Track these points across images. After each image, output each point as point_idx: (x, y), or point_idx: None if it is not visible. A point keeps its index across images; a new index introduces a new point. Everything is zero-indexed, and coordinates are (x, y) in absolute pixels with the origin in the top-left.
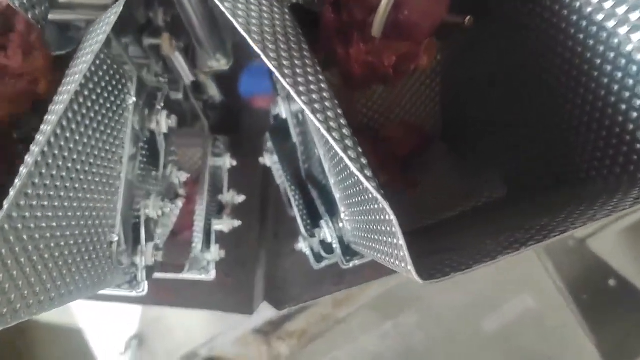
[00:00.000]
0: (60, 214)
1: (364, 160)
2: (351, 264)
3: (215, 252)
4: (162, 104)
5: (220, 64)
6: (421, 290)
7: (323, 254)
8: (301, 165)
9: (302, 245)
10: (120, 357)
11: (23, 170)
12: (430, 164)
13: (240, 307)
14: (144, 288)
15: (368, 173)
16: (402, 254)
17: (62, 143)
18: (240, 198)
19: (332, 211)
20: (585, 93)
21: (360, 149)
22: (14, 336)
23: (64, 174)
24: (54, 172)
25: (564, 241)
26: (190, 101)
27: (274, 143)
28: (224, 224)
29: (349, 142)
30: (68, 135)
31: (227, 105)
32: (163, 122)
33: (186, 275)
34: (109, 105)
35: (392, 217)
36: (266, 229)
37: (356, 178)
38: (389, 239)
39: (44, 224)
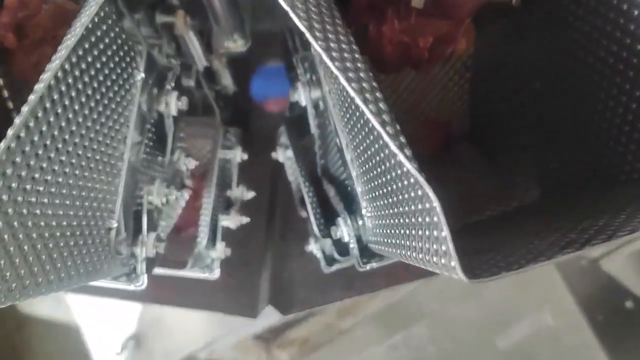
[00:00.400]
0: (53, 190)
1: (402, 139)
2: (368, 267)
3: (220, 250)
4: (173, 85)
5: (237, 44)
6: (432, 303)
7: (336, 256)
8: (317, 160)
9: (313, 247)
10: (116, 357)
11: (10, 132)
12: (455, 166)
13: (243, 309)
14: (143, 282)
15: (408, 152)
16: (443, 248)
17: (59, 110)
18: (250, 194)
19: (351, 208)
20: (632, 89)
21: (398, 126)
22: (12, 331)
23: (60, 145)
24: (48, 142)
25: (576, 261)
26: (203, 89)
27: (289, 136)
28: (231, 220)
29: (386, 117)
30: (67, 102)
31: (240, 97)
32: (172, 104)
33: (189, 273)
34: (114, 77)
35: (436, 203)
36: (273, 230)
37: (387, 165)
38: (427, 232)
39: (32, 199)
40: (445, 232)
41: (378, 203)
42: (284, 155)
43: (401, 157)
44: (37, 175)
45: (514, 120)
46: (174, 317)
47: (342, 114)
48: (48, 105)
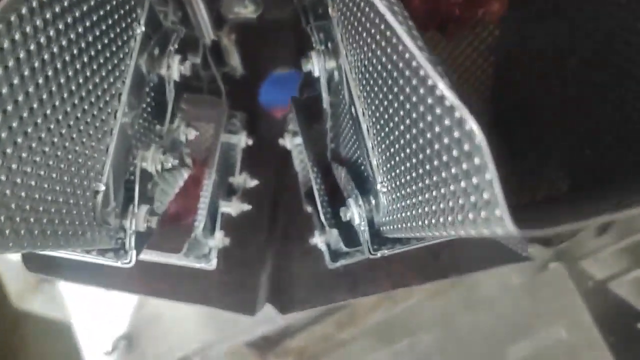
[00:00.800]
0: (34, 144)
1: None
2: (379, 254)
3: (219, 239)
4: (176, 46)
5: (248, 10)
6: (440, 313)
7: (342, 248)
8: (327, 143)
9: (318, 240)
10: (106, 358)
11: None
12: None
13: (240, 306)
14: (131, 259)
15: (447, 82)
16: (486, 196)
17: (42, 40)
18: (253, 182)
19: (363, 188)
20: None
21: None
22: (6, 329)
23: (44, 95)
24: (30, 84)
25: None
26: (209, 68)
27: (298, 119)
28: (233, 207)
29: (421, 43)
30: (52, 34)
31: (248, 80)
32: (175, 67)
33: (184, 262)
34: (110, 22)
35: (480, 137)
36: (275, 229)
37: (415, 113)
38: (464, 183)
39: (8, 150)
40: (492, 173)
41: (399, 169)
42: (291, 142)
43: (440, 86)
44: (14, 125)
45: (541, 108)
46: (169, 319)
47: (363, 72)
48: (30, 30)
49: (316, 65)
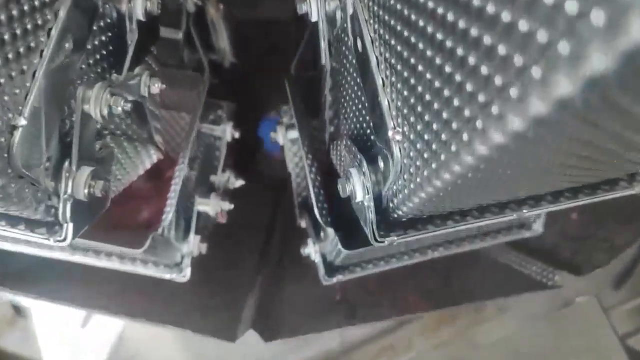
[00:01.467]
0: None
1: None
2: (387, 241)
3: (193, 244)
4: None
5: None
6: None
7: (340, 259)
8: (326, 125)
9: (311, 250)
10: None
11: None
12: None
13: (220, 331)
14: (66, 235)
15: None
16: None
17: None
18: (238, 182)
19: (369, 156)
20: None
21: None
22: None
23: None
24: None
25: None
26: (194, 48)
27: (292, 97)
28: (211, 205)
29: None
30: None
31: (237, 70)
32: (138, 3)
33: (152, 271)
34: None
35: None
36: (268, 254)
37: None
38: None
39: None
40: None
41: (423, 101)
42: (285, 136)
43: None
44: None
45: None
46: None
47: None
48: None
49: (314, 6)
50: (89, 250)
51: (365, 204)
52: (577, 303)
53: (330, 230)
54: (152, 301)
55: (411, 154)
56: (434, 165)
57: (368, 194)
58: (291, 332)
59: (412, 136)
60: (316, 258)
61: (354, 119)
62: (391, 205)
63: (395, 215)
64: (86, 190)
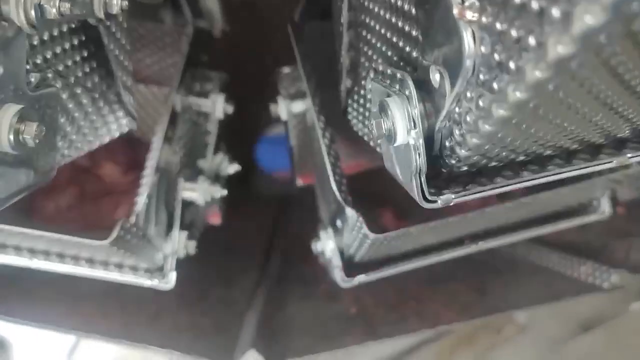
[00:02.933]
0: None
1: None
2: (440, 201)
3: (178, 241)
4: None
5: None
6: None
7: (364, 231)
8: (343, 78)
9: (325, 245)
10: None
11: None
12: None
13: (216, 353)
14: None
15: None
16: None
17: None
18: (233, 167)
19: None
20: None
21: None
22: None
23: None
24: None
25: None
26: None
27: (298, 48)
28: (199, 191)
29: None
30: None
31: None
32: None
33: (129, 277)
34: None
35: None
36: (268, 271)
37: None
38: None
39: None
40: None
41: None
42: (288, 109)
43: None
44: None
45: None
46: None
47: None
48: None
49: None
50: (51, 254)
51: (412, 142)
52: (635, 311)
53: (350, 211)
54: (135, 320)
55: (484, 46)
56: (524, 57)
57: (415, 127)
58: (300, 353)
59: (486, 17)
60: (332, 254)
61: (385, 47)
62: (446, 147)
63: (451, 163)
64: (11, 136)
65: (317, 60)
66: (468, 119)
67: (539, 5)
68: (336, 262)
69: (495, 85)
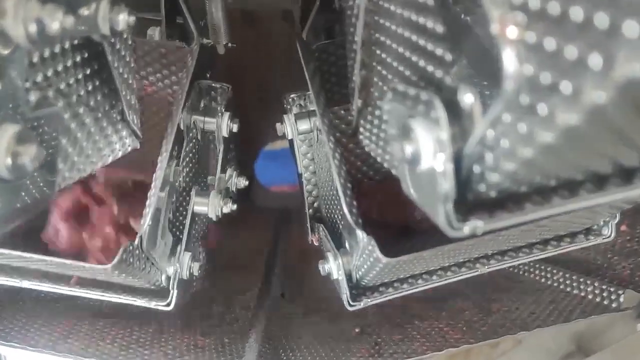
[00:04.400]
0: None
1: None
2: (466, 229)
3: (183, 262)
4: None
5: None
6: None
7: (376, 255)
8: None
9: (332, 267)
10: None
11: None
12: None
13: None
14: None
15: None
16: None
17: None
18: (242, 182)
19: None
20: None
21: None
22: None
23: None
24: None
25: None
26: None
27: (307, 65)
28: (210, 205)
29: None
30: None
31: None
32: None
33: (127, 298)
34: None
35: None
36: (269, 288)
37: None
38: None
39: None
40: None
41: None
42: (293, 127)
43: None
44: None
45: None
46: None
47: None
48: None
49: None
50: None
51: (439, 169)
52: None
53: (361, 234)
54: (135, 340)
55: (528, 66)
56: (583, 77)
57: (443, 150)
58: None
59: (534, 34)
60: (339, 276)
61: (403, 67)
62: (474, 172)
63: (479, 190)
64: (9, 159)
65: (326, 84)
66: (504, 143)
67: (609, 23)
68: (343, 285)
69: (540, 109)
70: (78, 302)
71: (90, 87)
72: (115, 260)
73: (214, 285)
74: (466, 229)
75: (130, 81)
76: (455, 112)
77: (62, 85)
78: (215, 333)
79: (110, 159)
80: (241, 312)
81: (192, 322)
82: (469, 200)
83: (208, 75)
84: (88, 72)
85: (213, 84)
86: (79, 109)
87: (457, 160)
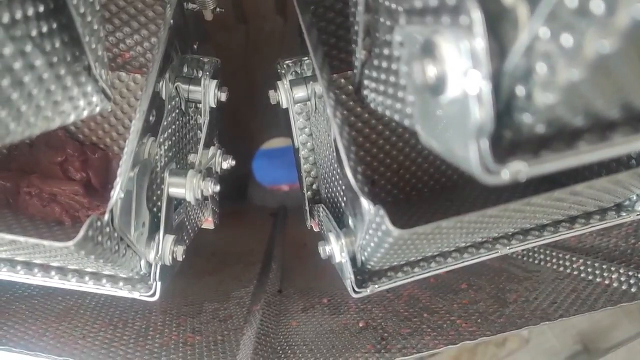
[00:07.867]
0: None
1: None
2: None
3: (164, 246)
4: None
5: None
6: None
7: (386, 227)
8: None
9: (334, 248)
10: None
11: None
12: None
13: None
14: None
15: None
16: None
17: None
18: (227, 163)
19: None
20: None
21: None
22: None
23: None
24: None
25: None
26: None
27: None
28: (187, 187)
29: None
30: None
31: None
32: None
33: (106, 288)
34: None
35: None
36: (265, 284)
37: None
38: None
39: None
40: None
41: None
42: (289, 94)
43: None
44: None
45: None
46: None
47: None
48: None
49: None
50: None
51: (472, 91)
52: None
53: (367, 203)
54: (119, 337)
55: None
56: None
57: (478, 65)
58: None
59: None
60: (342, 258)
61: None
62: (517, 96)
63: (522, 121)
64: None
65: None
66: (562, 46)
67: None
68: (347, 268)
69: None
70: (58, 298)
71: (44, 29)
72: (80, 235)
73: (207, 279)
74: (505, 172)
75: (95, 27)
76: (491, 15)
77: (5, 18)
78: (208, 330)
79: (72, 118)
80: (236, 309)
81: (182, 318)
82: (505, 139)
83: (195, 47)
84: (41, 9)
85: (201, 58)
86: (26, 47)
87: (494, 81)
